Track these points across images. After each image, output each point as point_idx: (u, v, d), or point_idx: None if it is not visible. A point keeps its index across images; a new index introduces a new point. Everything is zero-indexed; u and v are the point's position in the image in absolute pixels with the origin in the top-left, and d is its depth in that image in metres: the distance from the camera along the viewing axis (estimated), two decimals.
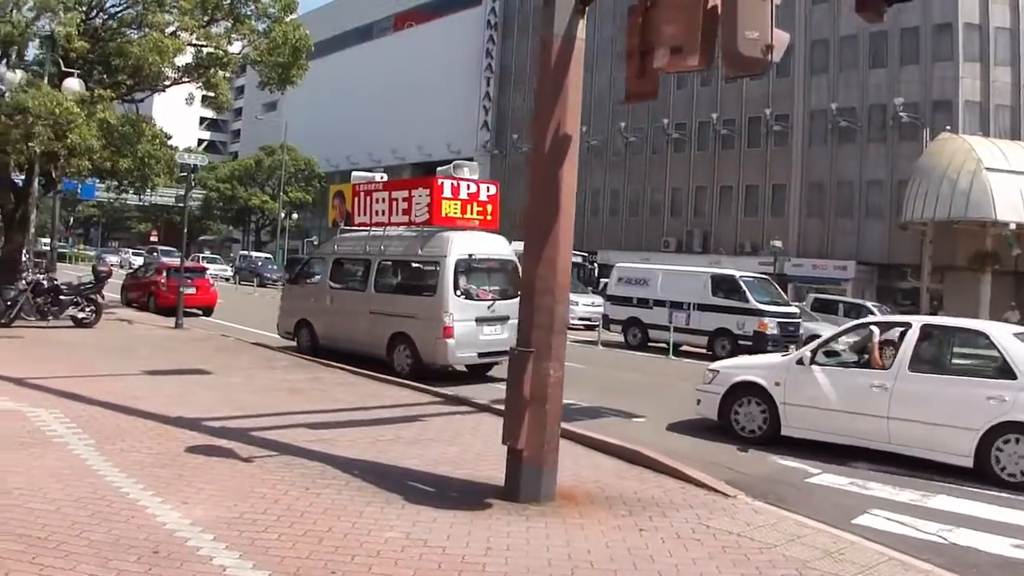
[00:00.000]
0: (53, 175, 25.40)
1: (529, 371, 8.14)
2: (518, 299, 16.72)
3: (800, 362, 11.98)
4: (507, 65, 76.19)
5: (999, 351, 10.48)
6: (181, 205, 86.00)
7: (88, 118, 21.57)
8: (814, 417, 11.56)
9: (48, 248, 37.45)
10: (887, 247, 51.32)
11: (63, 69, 23.10)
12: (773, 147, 56.94)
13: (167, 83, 26.45)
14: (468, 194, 17.40)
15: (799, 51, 55.11)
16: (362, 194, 19.12)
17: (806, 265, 52.34)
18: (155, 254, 61.09)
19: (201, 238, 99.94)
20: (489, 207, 17.86)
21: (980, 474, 10.13)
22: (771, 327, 24.84)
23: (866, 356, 11.78)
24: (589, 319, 34.01)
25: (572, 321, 32.47)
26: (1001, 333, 10.87)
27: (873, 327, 12.06)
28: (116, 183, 27.08)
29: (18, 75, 21.50)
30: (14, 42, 23.74)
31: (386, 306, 17.70)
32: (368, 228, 19.10)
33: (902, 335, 11.44)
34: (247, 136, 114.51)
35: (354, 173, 21.25)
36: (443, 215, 17.03)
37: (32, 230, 23.96)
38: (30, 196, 24.14)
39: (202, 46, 25.65)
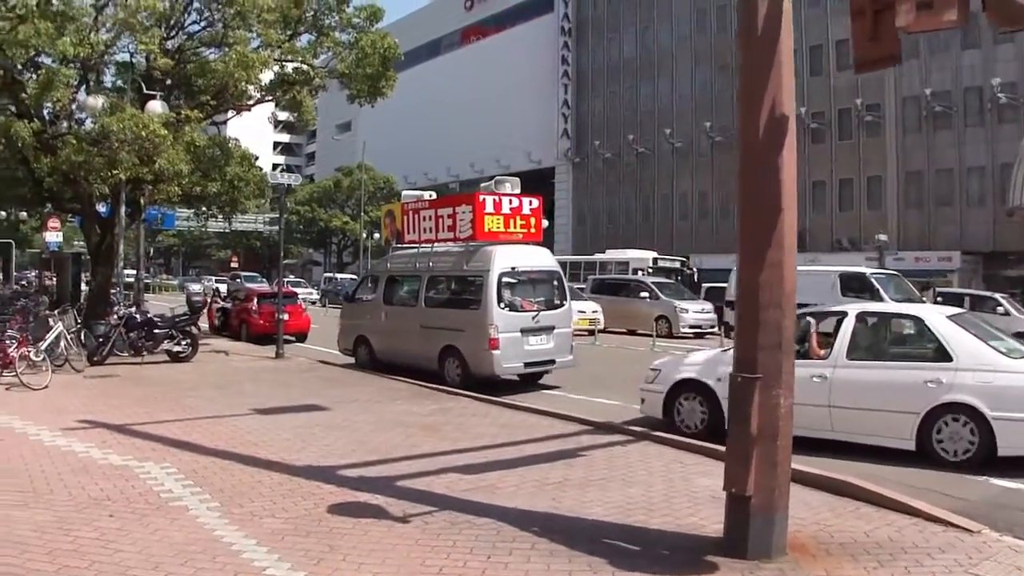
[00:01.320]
0: (141, 203, 24.33)
1: (756, 402, 6.59)
2: (562, 309, 18.01)
3: None
4: (584, 70, 74.44)
5: (934, 335, 10.69)
6: (261, 230, 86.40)
7: (175, 141, 20.45)
8: None
9: (134, 280, 36.56)
10: (991, 235, 49.31)
11: (144, 92, 22.05)
12: (865, 138, 54.89)
13: (250, 103, 25.37)
14: (510, 209, 17.97)
15: None
16: (411, 212, 19.80)
17: (908, 258, 49.66)
18: (238, 280, 60.41)
19: (284, 261, 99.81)
20: (532, 220, 18.38)
21: (922, 455, 10.26)
22: None
23: (806, 347, 11.52)
24: (700, 327, 32.37)
25: (682, 329, 30.87)
26: (935, 317, 11.03)
27: (810, 318, 11.98)
28: (204, 208, 25.90)
29: (99, 100, 20.44)
30: (93, 67, 22.77)
31: (436, 320, 18.18)
32: (417, 245, 19.70)
33: (838, 324, 11.50)
34: (322, 158, 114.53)
35: (404, 192, 22.07)
36: (486, 230, 17.57)
37: (120, 262, 22.86)
38: (116, 226, 23.06)
39: (286, 61, 24.48)
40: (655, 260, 45.24)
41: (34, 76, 20.09)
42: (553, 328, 17.60)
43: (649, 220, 67.40)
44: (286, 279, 67.89)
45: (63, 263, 29.54)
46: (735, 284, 7.51)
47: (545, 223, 55.11)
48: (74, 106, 22.89)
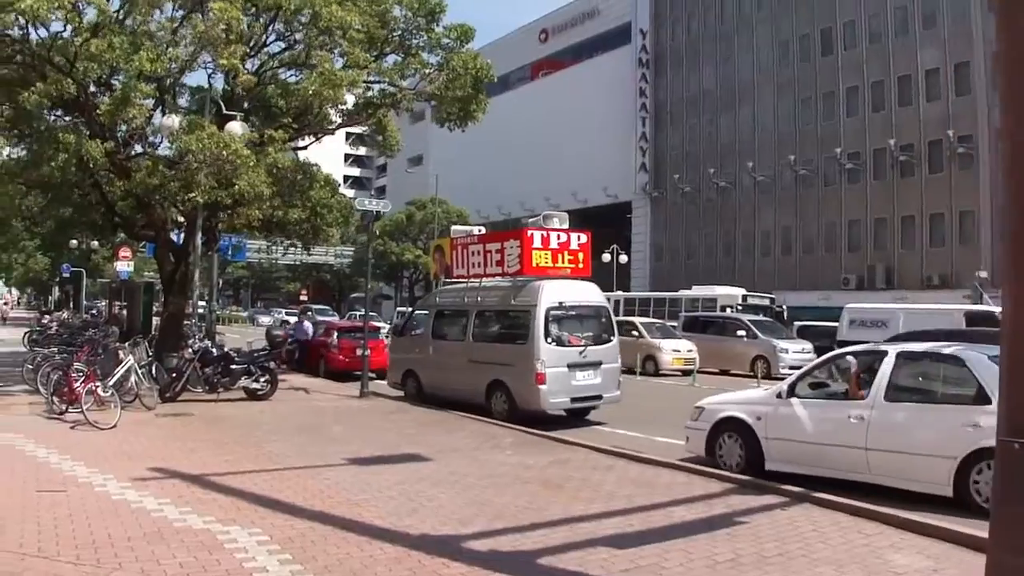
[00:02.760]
0: (217, 230, 23.03)
1: None
2: (609, 344, 17.80)
3: (779, 396, 11.79)
4: (662, 103, 72.47)
5: (974, 376, 10.12)
6: (331, 263, 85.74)
7: (257, 163, 19.14)
8: (794, 450, 11.38)
9: (206, 311, 35.37)
10: None
11: (223, 113, 20.82)
12: (957, 171, 52.23)
13: (332, 127, 24.11)
14: (559, 244, 18.05)
15: (979, 66, 51.01)
16: (459, 247, 19.92)
17: (1000, 296, 47.07)
18: (309, 313, 59.26)
19: (352, 295, 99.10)
20: (580, 255, 18.44)
21: (959, 503, 9.65)
22: None
23: (846, 387, 11.50)
24: (800, 368, 30.17)
25: (782, 370, 28.81)
26: (976, 358, 10.36)
27: (851, 357, 11.72)
28: (284, 237, 24.51)
29: (176, 120, 19.19)
30: (169, 88, 21.63)
31: (483, 355, 18.15)
32: (466, 280, 19.72)
33: (878, 364, 11.11)
34: (393, 192, 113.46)
35: (453, 228, 22.37)
36: (534, 265, 17.64)
37: (196, 292, 21.53)
38: (191, 254, 21.76)
39: (373, 82, 23.18)
40: (744, 297, 43.11)
41: (107, 95, 18.80)
42: (600, 363, 17.48)
43: (730, 256, 65.18)
44: (355, 313, 67.25)
45: (134, 292, 28.43)
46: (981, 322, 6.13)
47: (624, 258, 53.70)
48: (149, 128, 21.78)
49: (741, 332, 31.98)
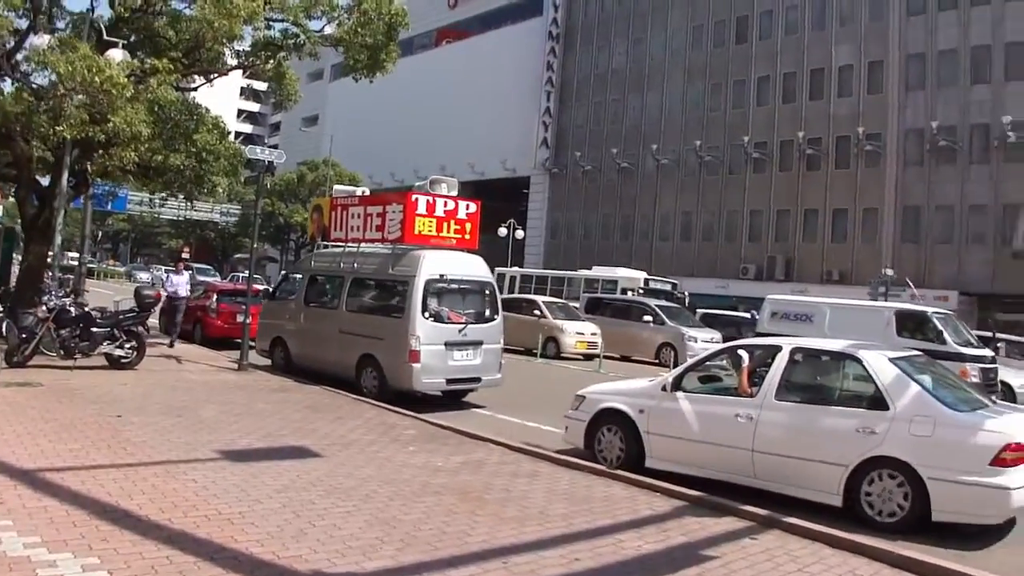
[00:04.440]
0: (87, 172, 20.41)
1: None
2: (493, 323, 16.85)
3: (664, 388, 10.98)
4: (569, 79, 70.76)
5: (872, 378, 9.55)
6: (216, 221, 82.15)
7: (136, 97, 16.75)
8: (677, 448, 10.65)
9: (77, 264, 32.41)
10: (990, 276, 46.89)
11: (103, 39, 18.33)
12: (864, 168, 52.16)
13: (227, 68, 21.74)
14: (445, 211, 16.96)
15: (892, 66, 51.16)
16: (339, 208, 18.66)
17: (902, 295, 47.07)
18: (191, 271, 56.01)
19: (236, 256, 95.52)
20: (468, 226, 17.38)
21: (850, 514, 9.12)
22: (973, 374, 19.94)
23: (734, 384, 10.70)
24: None
25: (689, 358, 27.52)
26: (875, 358, 9.79)
27: (742, 351, 10.84)
28: (164, 185, 21.99)
29: (46, 39, 16.66)
30: (44, 10, 19.04)
31: (355, 326, 17.01)
32: (344, 244, 18.53)
33: (771, 359, 10.43)
34: (286, 150, 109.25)
35: (336, 187, 21.16)
36: (416, 232, 16.55)
37: (58, 241, 18.88)
38: (56, 198, 19.16)
39: (274, 20, 20.88)
40: (646, 280, 41.81)
41: None
42: (481, 343, 16.46)
43: (628, 239, 64.16)
44: (239, 275, 63.74)
45: None
46: None
47: (520, 234, 52.05)
48: (21, 55, 19.15)
49: (647, 317, 30.58)
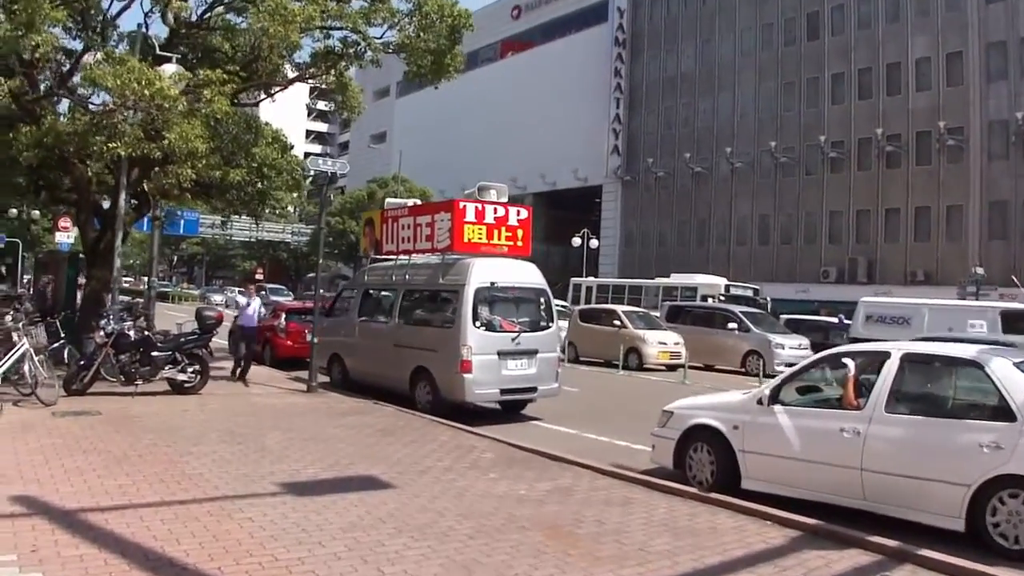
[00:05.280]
0: (147, 191, 19.85)
1: None
2: (547, 331, 16.25)
3: (760, 402, 9.90)
4: (637, 84, 69.57)
5: (995, 386, 8.32)
6: (288, 241, 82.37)
7: (192, 112, 16.08)
8: (776, 467, 9.56)
9: (146, 287, 32.09)
10: None
11: (157, 54, 17.74)
12: (946, 164, 50.25)
13: (286, 80, 21.07)
14: (495, 218, 16.38)
15: (972, 56, 49.24)
16: (390, 220, 18.34)
17: (992, 294, 45.04)
18: (263, 292, 55.84)
19: (309, 275, 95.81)
20: (519, 232, 16.76)
21: (974, 540, 7.90)
22: None
23: (840, 393, 9.51)
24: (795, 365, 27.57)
25: (777, 367, 26.17)
26: (999, 364, 8.54)
27: (847, 358, 9.62)
28: (225, 204, 21.34)
29: (97, 55, 16.08)
30: (97, 26, 18.52)
31: (408, 339, 16.72)
32: (395, 257, 18.33)
33: (879, 367, 9.26)
34: (355, 169, 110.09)
35: (388, 200, 20.71)
36: (465, 240, 16.07)
37: (117, 263, 18.27)
38: (116, 219, 18.59)
39: (333, 28, 20.15)
40: (727, 287, 40.45)
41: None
42: (536, 352, 15.84)
43: (704, 244, 62.69)
44: (312, 293, 63.23)
45: (59, 265, 25.11)
46: None
47: (595, 243, 50.98)
48: (77, 78, 18.65)
49: (732, 324, 29.21)
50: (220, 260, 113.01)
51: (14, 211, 47.24)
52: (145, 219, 25.49)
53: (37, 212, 46.30)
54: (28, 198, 30.68)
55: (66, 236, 39.56)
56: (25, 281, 52.59)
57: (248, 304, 20.04)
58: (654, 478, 10.18)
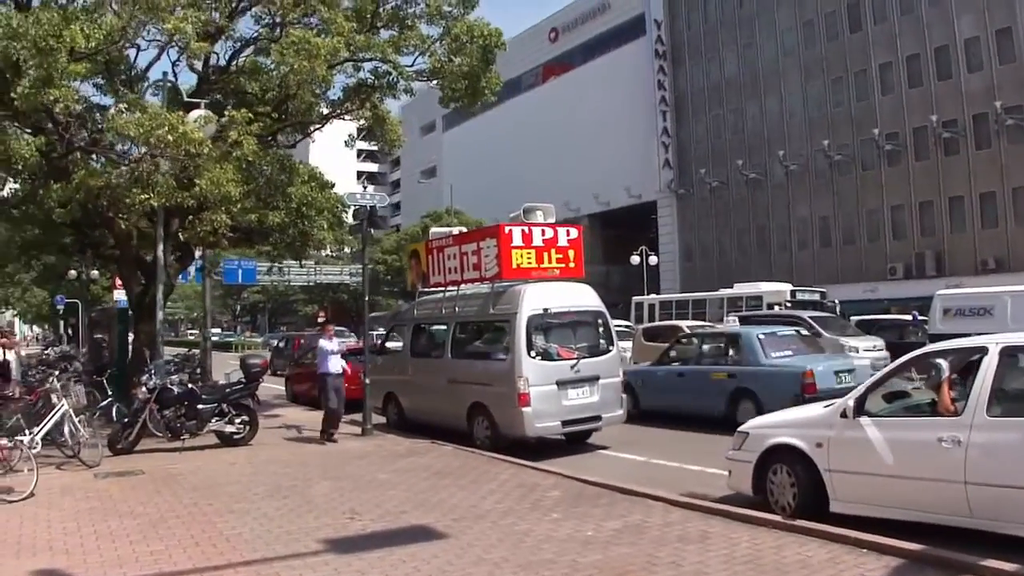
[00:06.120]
0: (189, 242, 19.47)
1: None
2: (608, 356, 15.50)
3: (844, 415, 8.86)
4: (682, 95, 68.45)
5: None
6: (347, 282, 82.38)
7: (223, 157, 15.61)
8: (869, 487, 8.52)
9: (202, 339, 31.82)
10: None
11: (185, 100, 17.36)
12: (1007, 145, 48.16)
13: (320, 118, 20.63)
14: (543, 240, 15.54)
15: (1023, 30, 47.23)
16: (435, 251, 17.58)
17: None
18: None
19: (372, 315, 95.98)
20: (571, 253, 15.84)
21: None
22: None
23: (932, 398, 8.44)
24: (873, 368, 26.39)
25: None
26: None
27: (940, 359, 8.47)
28: (271, 248, 20.91)
29: (120, 106, 15.72)
30: (124, 75, 18.22)
31: (463, 373, 15.91)
32: (444, 288, 17.31)
33: (975, 365, 8.07)
34: (408, 206, 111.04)
35: (432, 230, 20.12)
36: (514, 266, 15.22)
37: (160, 316, 17.82)
38: (156, 272, 18.20)
39: (362, 60, 19.67)
40: (793, 292, 39.23)
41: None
42: (598, 378, 14.97)
43: (765, 251, 61.24)
44: (373, 332, 62.76)
45: (111, 321, 24.96)
46: None
47: (654, 260, 49.98)
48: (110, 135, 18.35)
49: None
50: (282, 307, 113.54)
51: (73, 273, 47.57)
52: (193, 270, 25.20)
53: (96, 272, 46.51)
54: (77, 257, 30.65)
55: (123, 293, 39.64)
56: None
57: (329, 349, 17.53)
58: (733, 507, 9.32)
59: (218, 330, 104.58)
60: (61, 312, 63.99)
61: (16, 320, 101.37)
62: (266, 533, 8.96)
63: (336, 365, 17.47)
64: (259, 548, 8.35)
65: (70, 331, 65.82)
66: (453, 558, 7.82)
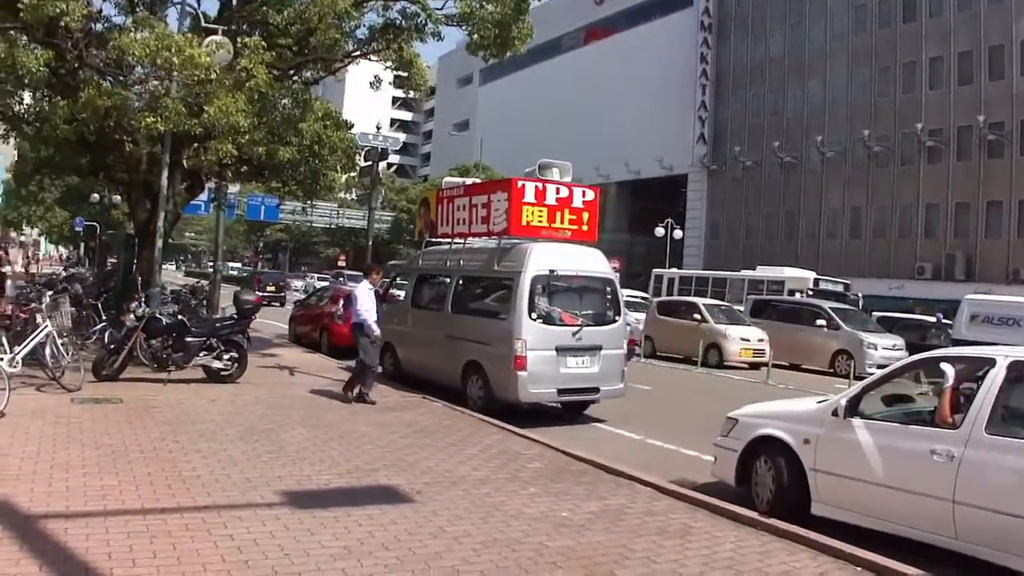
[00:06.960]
0: (195, 170, 18.98)
1: None
2: (613, 326, 14.93)
3: (836, 413, 8.30)
4: (725, 71, 67.44)
5: None
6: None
7: (235, 86, 15.09)
8: (852, 492, 8.00)
9: (213, 271, 31.47)
10: None
11: (203, 26, 16.80)
12: None
13: (344, 56, 20.06)
14: (557, 199, 14.89)
15: None
16: (445, 201, 17.14)
17: None
18: (340, 279, 55.28)
19: (391, 263, 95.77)
20: (585, 215, 15.17)
21: None
22: None
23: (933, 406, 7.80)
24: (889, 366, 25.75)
25: (868, 368, 24.45)
26: None
27: (947, 364, 7.80)
28: (281, 184, 20.45)
29: (129, 20, 15.22)
30: None
31: (461, 329, 15.41)
32: (451, 240, 17.05)
33: (981, 377, 7.40)
34: (437, 157, 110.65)
35: (446, 179, 19.40)
36: (524, 223, 14.64)
37: (159, 245, 17.37)
38: (169, 200, 17.75)
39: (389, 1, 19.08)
40: (816, 281, 38.52)
41: None
42: (600, 348, 14.41)
43: (793, 237, 60.37)
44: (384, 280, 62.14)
45: (120, 246, 24.63)
46: None
47: (679, 234, 49.38)
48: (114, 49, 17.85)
49: (820, 321, 27.44)
50: (304, 247, 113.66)
51: (96, 196, 47.39)
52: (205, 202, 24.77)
53: (118, 197, 46.31)
54: (92, 179, 30.27)
55: None
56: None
57: (360, 295, 15.08)
58: (721, 501, 8.70)
59: (238, 265, 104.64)
60: (81, 234, 64.13)
61: (42, 239, 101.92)
62: (224, 478, 8.50)
63: (373, 315, 14.94)
64: (213, 493, 7.91)
65: (91, 254, 65.99)
66: (412, 526, 7.30)
